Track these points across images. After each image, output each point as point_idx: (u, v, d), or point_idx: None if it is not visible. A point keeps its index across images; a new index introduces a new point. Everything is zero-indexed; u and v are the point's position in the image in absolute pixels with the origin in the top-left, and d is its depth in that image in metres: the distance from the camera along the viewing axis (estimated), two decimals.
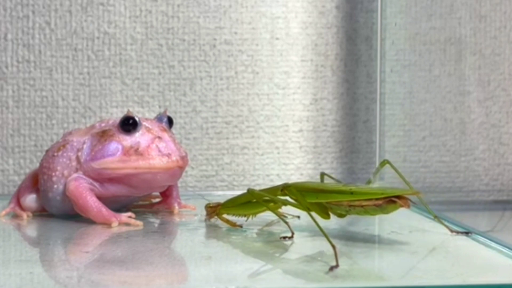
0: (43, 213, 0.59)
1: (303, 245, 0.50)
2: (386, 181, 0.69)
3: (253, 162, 0.73)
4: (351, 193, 0.49)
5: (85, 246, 0.51)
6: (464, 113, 0.68)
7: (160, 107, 0.72)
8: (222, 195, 0.61)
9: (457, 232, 0.52)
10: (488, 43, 0.68)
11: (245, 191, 0.53)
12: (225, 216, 0.54)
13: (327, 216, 0.51)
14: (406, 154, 0.71)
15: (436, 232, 0.52)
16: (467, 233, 0.52)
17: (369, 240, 0.52)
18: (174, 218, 0.59)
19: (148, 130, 0.56)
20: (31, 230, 0.57)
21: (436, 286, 0.41)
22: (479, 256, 0.48)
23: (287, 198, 0.52)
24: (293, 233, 0.50)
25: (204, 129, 0.73)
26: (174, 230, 0.56)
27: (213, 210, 0.55)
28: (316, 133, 0.74)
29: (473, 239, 0.51)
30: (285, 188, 0.52)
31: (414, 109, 0.71)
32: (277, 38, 0.73)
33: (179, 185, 0.61)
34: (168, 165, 0.55)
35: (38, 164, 0.60)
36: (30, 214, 0.59)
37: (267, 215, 0.53)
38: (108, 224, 0.54)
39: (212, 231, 0.54)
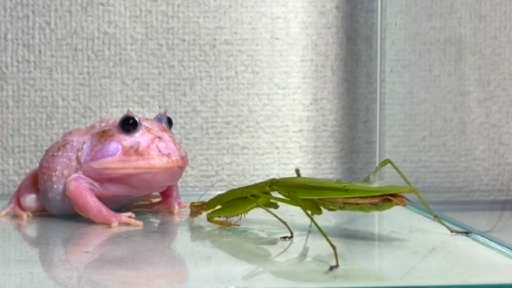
0: (43, 213, 0.59)
1: (303, 245, 0.50)
2: (386, 181, 0.69)
3: (253, 162, 0.73)
4: (346, 190, 0.49)
5: (85, 246, 0.51)
6: (464, 113, 0.68)
7: (160, 107, 0.72)
8: None
9: (457, 232, 0.52)
10: (488, 43, 0.68)
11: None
12: (216, 219, 0.54)
13: (318, 212, 0.51)
14: (406, 154, 0.71)
15: (436, 232, 0.52)
16: (467, 233, 0.52)
17: (369, 240, 0.52)
18: (174, 218, 0.59)
19: (148, 130, 0.56)
20: (31, 230, 0.57)
21: (436, 286, 0.41)
22: (479, 256, 0.48)
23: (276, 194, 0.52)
24: (292, 233, 0.50)
25: (204, 129, 0.73)
26: (174, 230, 0.56)
27: (198, 209, 0.55)
28: (316, 133, 0.74)
29: (473, 239, 0.51)
30: (274, 184, 0.52)
31: (414, 109, 0.71)
32: (277, 38, 0.73)
33: (179, 185, 0.61)
34: (168, 165, 0.55)
35: (38, 164, 0.59)
36: (30, 214, 0.59)
37: (260, 214, 0.53)
38: (108, 224, 0.54)
39: (212, 231, 0.54)
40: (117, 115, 0.70)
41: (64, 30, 0.72)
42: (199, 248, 0.51)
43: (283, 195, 0.52)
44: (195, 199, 0.56)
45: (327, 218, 0.56)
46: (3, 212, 0.59)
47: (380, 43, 0.72)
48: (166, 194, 0.61)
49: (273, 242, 0.50)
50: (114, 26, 0.72)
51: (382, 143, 0.72)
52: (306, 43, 0.74)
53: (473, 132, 0.69)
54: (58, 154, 0.57)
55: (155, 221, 0.58)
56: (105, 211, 0.55)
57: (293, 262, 0.47)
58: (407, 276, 0.44)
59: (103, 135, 0.56)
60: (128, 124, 0.55)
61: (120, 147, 0.55)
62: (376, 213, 0.58)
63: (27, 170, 0.70)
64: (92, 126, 0.58)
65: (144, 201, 0.62)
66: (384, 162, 0.54)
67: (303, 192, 0.50)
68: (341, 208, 0.50)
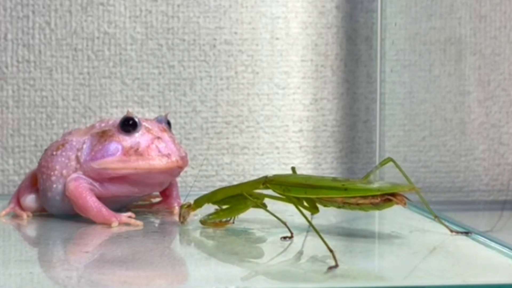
0: (43, 213, 0.59)
1: (303, 245, 0.50)
2: (385, 180, 0.69)
3: (253, 162, 0.73)
4: (345, 189, 0.48)
5: (85, 246, 0.51)
6: (464, 113, 0.68)
7: (160, 107, 0.72)
8: None
9: (457, 232, 0.52)
10: (488, 43, 0.68)
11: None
12: (209, 222, 0.53)
13: (315, 210, 0.50)
14: (406, 154, 0.71)
15: (436, 232, 0.52)
16: (467, 233, 0.52)
17: (369, 239, 0.52)
18: (174, 218, 0.59)
19: (148, 130, 0.56)
20: (31, 230, 0.57)
21: (436, 286, 0.41)
22: (479, 256, 0.48)
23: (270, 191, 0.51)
24: (292, 234, 0.50)
25: (204, 129, 0.73)
26: (174, 230, 0.56)
27: (187, 210, 0.55)
28: (316, 133, 0.74)
29: (473, 239, 0.51)
30: (268, 182, 0.51)
31: (414, 109, 0.71)
32: (277, 38, 0.73)
33: (179, 185, 0.61)
34: (168, 166, 0.55)
35: (38, 164, 0.60)
36: (30, 214, 0.59)
37: (260, 214, 0.53)
38: (108, 224, 0.54)
39: (212, 231, 0.54)
40: (117, 115, 0.70)
41: (64, 30, 0.72)
42: (199, 248, 0.51)
43: (278, 193, 0.51)
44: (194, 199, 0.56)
45: (328, 218, 0.56)
46: (3, 212, 0.59)
47: (380, 43, 0.72)
48: (166, 194, 0.61)
49: (273, 242, 0.50)
50: (114, 26, 0.72)
51: (382, 143, 0.72)
52: (306, 43, 0.74)
53: (473, 132, 0.69)
54: (57, 154, 0.57)
55: (155, 221, 0.58)
56: (105, 211, 0.55)
57: (293, 262, 0.47)
58: (407, 276, 0.44)
59: (103, 135, 0.56)
60: (128, 125, 0.55)
61: (120, 147, 0.55)
62: (376, 213, 0.58)
63: (27, 170, 0.70)
64: (92, 126, 0.58)
65: (144, 201, 0.62)
66: (386, 161, 0.53)
67: (299, 191, 0.50)
68: (339, 207, 0.49)
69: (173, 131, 0.58)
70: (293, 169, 0.55)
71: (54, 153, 0.57)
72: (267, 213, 0.51)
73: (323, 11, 0.74)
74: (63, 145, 0.57)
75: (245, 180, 0.54)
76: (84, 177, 0.55)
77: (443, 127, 0.69)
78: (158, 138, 0.55)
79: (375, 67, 0.73)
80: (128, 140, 0.55)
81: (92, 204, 0.55)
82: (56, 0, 0.71)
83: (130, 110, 0.56)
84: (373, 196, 0.48)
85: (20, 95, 0.71)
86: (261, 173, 0.73)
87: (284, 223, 0.50)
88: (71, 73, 0.72)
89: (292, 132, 0.74)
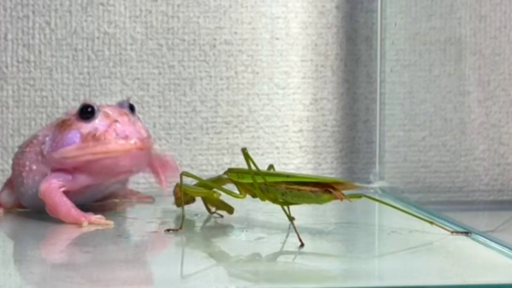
0: (19, 209, 0.59)
1: (303, 245, 0.50)
2: (386, 181, 0.70)
3: None
4: (287, 176, 0.51)
5: (85, 246, 0.51)
6: (464, 113, 0.68)
7: (160, 107, 0.72)
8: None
9: (457, 232, 0.52)
10: (488, 43, 0.68)
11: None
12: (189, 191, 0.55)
13: (264, 198, 0.52)
14: (406, 154, 0.71)
15: (436, 232, 0.52)
16: (467, 233, 0.52)
17: (368, 240, 0.52)
18: (174, 218, 0.59)
19: (107, 115, 0.55)
20: (31, 230, 0.57)
21: (436, 286, 0.41)
22: (479, 256, 0.48)
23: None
24: (302, 243, 0.49)
25: (204, 129, 0.73)
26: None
27: (177, 193, 0.55)
28: (316, 133, 0.74)
29: (473, 239, 0.51)
30: (229, 171, 0.53)
31: (414, 109, 0.71)
32: (277, 38, 0.73)
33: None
34: (125, 147, 0.54)
35: None
36: (1, 211, 0.59)
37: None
38: (78, 224, 0.54)
39: (212, 231, 0.54)
40: None
41: (64, 30, 0.72)
42: (199, 248, 0.51)
43: (233, 181, 0.53)
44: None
45: (327, 219, 0.56)
46: None
47: (380, 43, 0.72)
48: (157, 172, 0.62)
49: (273, 242, 0.50)
50: (114, 26, 0.72)
51: (382, 143, 0.72)
52: (306, 43, 0.74)
53: (473, 132, 0.69)
54: (26, 150, 0.57)
55: (155, 221, 0.58)
56: (74, 211, 0.54)
57: (294, 262, 0.47)
58: (407, 276, 0.44)
59: (62, 125, 0.55)
60: (87, 112, 0.55)
61: (78, 135, 0.55)
62: (376, 213, 0.58)
63: None
64: (57, 119, 0.58)
65: (130, 199, 0.62)
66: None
67: (248, 177, 0.52)
68: (283, 194, 0.50)
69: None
70: (271, 166, 0.56)
71: (25, 149, 0.57)
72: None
73: (323, 11, 0.74)
74: (31, 141, 0.57)
75: None
76: (54, 175, 0.55)
77: (443, 127, 0.69)
78: (116, 121, 0.55)
79: (375, 67, 0.73)
80: (87, 127, 0.55)
81: (62, 204, 0.54)
82: (56, 0, 0.71)
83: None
84: (314, 185, 0.50)
85: (20, 95, 0.71)
86: None
87: (294, 228, 0.49)
88: (71, 73, 0.72)
89: (292, 132, 0.74)
